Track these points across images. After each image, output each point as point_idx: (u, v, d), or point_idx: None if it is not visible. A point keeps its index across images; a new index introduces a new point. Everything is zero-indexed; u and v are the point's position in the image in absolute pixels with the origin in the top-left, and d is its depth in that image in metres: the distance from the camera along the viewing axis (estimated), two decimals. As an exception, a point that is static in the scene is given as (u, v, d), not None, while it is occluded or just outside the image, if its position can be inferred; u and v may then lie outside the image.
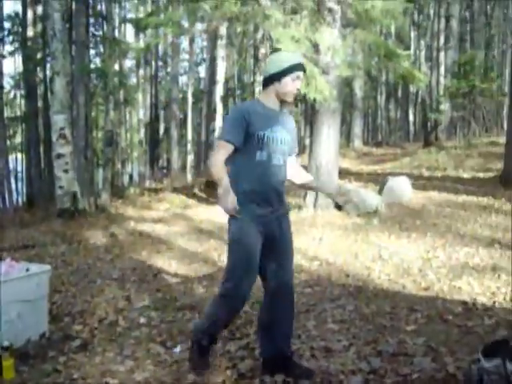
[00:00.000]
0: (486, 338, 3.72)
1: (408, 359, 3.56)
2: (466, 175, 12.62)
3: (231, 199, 3.06)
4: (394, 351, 3.67)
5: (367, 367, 3.44)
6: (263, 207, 3.28)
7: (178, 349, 4.08)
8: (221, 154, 3.23)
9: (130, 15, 28.09)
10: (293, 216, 10.03)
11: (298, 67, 3.28)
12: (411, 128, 31.16)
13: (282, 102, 3.34)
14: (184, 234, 9.39)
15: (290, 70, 3.24)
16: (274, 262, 3.35)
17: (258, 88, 11.07)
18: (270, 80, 3.30)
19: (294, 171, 3.57)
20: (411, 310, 4.54)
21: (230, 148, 3.23)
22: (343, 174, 13.04)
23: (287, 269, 3.41)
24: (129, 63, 29.52)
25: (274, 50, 3.54)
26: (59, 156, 11.63)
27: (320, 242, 7.73)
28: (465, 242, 7.14)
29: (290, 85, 3.26)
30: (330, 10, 9.59)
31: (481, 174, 12.36)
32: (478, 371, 3.02)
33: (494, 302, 4.67)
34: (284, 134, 3.33)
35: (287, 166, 3.44)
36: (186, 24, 13.24)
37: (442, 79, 22.08)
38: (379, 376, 3.31)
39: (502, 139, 13.27)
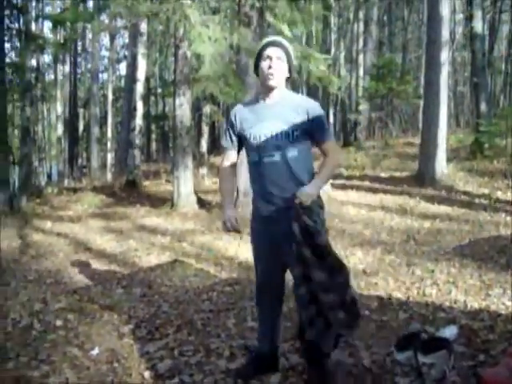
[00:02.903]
0: (400, 332, 3.83)
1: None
2: (383, 174, 12.98)
3: (227, 216, 3.09)
4: (312, 347, 3.72)
5: (286, 364, 3.47)
6: (267, 208, 3.07)
7: (95, 351, 3.99)
8: (223, 161, 3.26)
9: (48, 8, 27.24)
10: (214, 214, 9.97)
11: (265, 46, 3.04)
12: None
13: (269, 89, 3.04)
14: (103, 234, 9.20)
15: (259, 53, 3.05)
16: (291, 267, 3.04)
17: (177, 86, 10.99)
18: (256, 74, 3.15)
19: (322, 163, 3.08)
20: (329, 307, 4.62)
21: (229, 153, 3.22)
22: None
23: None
24: (47, 58, 28.65)
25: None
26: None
27: (240, 241, 7.75)
28: (381, 240, 7.37)
29: (263, 67, 3.02)
30: (247, 14, 9.71)
31: (397, 174, 12.75)
32: (392, 363, 3.12)
33: (408, 297, 4.82)
34: (277, 127, 2.98)
35: (299, 159, 3.01)
36: (106, 20, 12.96)
37: (360, 81, 22.64)
38: (297, 372, 3.34)
39: (418, 140, 13.75)
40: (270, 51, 3.00)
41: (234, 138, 3.17)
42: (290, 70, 3.12)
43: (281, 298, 3.30)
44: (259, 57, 3.05)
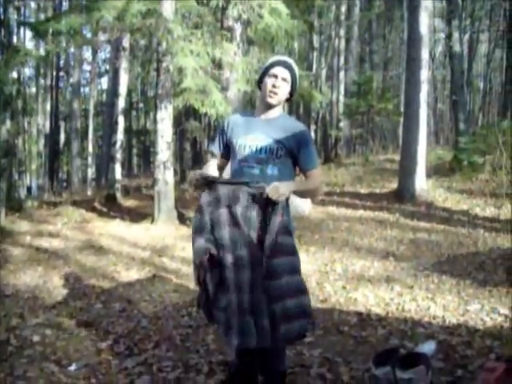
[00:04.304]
0: (379, 347, 3.85)
1: (305, 370, 3.62)
2: (363, 191, 13.05)
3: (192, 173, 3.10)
4: (292, 363, 3.72)
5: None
6: None
7: (73, 367, 3.95)
8: (206, 164, 3.29)
9: (31, 20, 27.11)
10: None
11: (273, 64, 3.10)
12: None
13: (267, 106, 3.12)
14: (82, 248, 9.12)
15: (266, 70, 3.12)
16: None
17: (159, 100, 11.02)
18: (259, 88, 3.22)
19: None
20: (309, 322, 4.63)
21: (214, 158, 3.28)
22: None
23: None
24: (28, 71, 28.51)
25: None
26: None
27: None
28: (361, 255, 7.40)
29: (267, 84, 3.09)
30: (230, 29, 9.78)
31: (377, 190, 12.82)
32: (370, 379, 3.13)
33: (388, 313, 4.85)
34: (263, 142, 3.05)
35: (278, 178, 2.97)
36: (88, 34, 12.92)
37: (341, 98, 22.81)
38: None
39: (397, 157, 13.86)
40: (277, 70, 3.08)
41: (223, 145, 3.23)
42: (291, 93, 3.19)
43: None
44: (265, 73, 3.12)
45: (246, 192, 2.84)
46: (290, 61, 3.15)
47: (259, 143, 3.06)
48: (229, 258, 2.83)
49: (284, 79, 3.07)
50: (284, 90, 3.11)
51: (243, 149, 3.09)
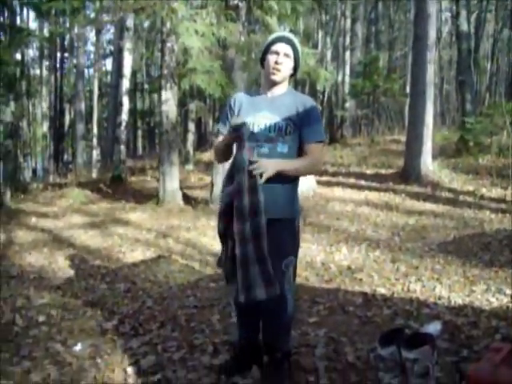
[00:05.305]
0: (384, 327, 3.83)
1: (310, 350, 3.61)
2: (369, 171, 13.01)
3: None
4: (297, 343, 3.71)
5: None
6: None
7: (78, 347, 3.95)
8: (215, 144, 3.24)
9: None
10: (199, 211, 9.94)
11: (274, 41, 3.04)
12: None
13: (272, 84, 3.05)
14: (87, 229, 9.13)
15: (268, 47, 3.06)
16: None
17: (163, 81, 10.95)
18: (262, 66, 3.15)
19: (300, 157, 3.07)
20: (314, 302, 4.63)
21: (221, 136, 3.15)
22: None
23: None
24: (32, 53, 28.41)
25: None
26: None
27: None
28: (366, 236, 7.38)
29: (269, 61, 3.03)
30: (236, 7, 9.68)
31: (383, 171, 12.78)
32: (375, 359, 3.12)
33: (393, 293, 4.83)
34: (272, 120, 2.98)
35: (288, 156, 2.98)
36: (92, 14, 12.83)
37: (347, 78, 22.68)
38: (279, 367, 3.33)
39: (403, 137, 13.80)
40: (278, 47, 3.01)
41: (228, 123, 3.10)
42: (295, 68, 3.12)
43: None
44: (267, 50, 3.06)
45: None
46: (292, 36, 3.09)
47: (268, 121, 2.98)
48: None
49: (286, 55, 3.01)
50: (287, 66, 3.04)
51: (252, 127, 2.98)
